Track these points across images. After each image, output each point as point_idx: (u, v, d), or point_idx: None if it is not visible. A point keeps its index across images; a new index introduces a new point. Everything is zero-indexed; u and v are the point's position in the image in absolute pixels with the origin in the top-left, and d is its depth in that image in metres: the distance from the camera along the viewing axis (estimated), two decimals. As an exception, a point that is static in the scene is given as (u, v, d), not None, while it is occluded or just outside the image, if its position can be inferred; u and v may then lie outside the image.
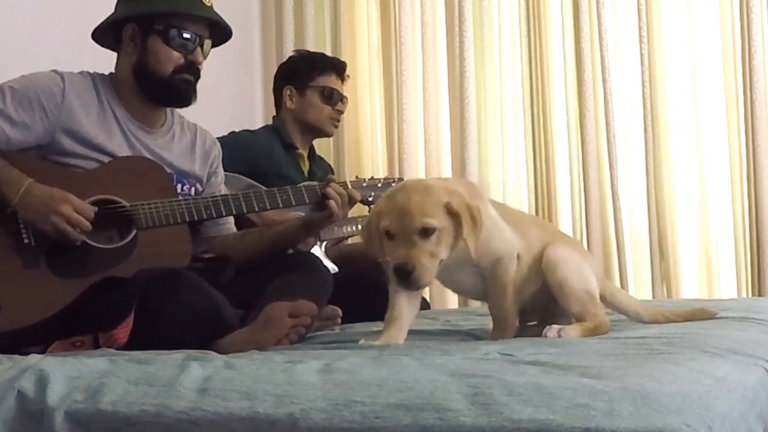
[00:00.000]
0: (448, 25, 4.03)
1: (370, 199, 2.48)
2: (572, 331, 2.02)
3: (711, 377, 1.32)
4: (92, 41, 2.39)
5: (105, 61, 2.38)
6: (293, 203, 2.35)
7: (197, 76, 2.36)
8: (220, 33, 2.42)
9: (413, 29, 4.08)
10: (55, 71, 2.26)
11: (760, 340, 1.86)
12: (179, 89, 2.33)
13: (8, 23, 2.92)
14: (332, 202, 2.31)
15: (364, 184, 2.49)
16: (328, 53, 3.97)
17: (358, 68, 4.15)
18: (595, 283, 2.14)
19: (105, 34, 2.38)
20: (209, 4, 2.36)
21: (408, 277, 1.77)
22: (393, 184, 2.53)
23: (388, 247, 1.83)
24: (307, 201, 2.35)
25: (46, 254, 2.07)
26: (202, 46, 2.34)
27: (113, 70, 2.37)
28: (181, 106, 2.42)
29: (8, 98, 2.16)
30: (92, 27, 2.37)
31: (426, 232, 1.79)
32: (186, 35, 2.30)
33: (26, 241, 2.06)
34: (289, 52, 4.05)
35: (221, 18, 2.38)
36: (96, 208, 2.09)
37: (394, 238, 1.81)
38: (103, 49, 2.41)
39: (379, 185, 2.51)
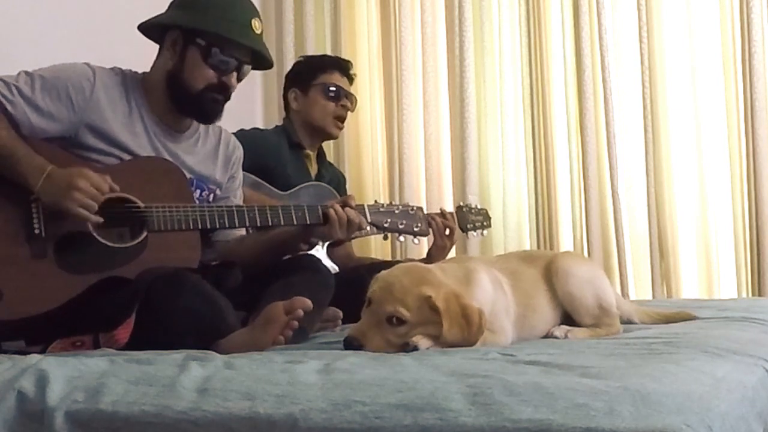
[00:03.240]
0: (448, 25, 4.03)
1: (386, 225, 2.46)
2: (581, 333, 2.02)
3: (711, 377, 1.32)
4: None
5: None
6: (308, 221, 2.34)
7: (227, 98, 2.34)
8: (263, 61, 2.41)
9: (413, 29, 4.08)
10: (87, 65, 2.25)
11: (760, 340, 1.86)
12: (205, 107, 2.32)
13: (8, 23, 2.92)
14: (333, 219, 2.31)
15: (382, 210, 2.48)
16: (328, 53, 3.98)
17: (358, 68, 4.12)
18: (609, 293, 2.13)
19: (151, 31, 2.36)
20: (259, 32, 2.33)
21: (355, 350, 1.75)
22: (411, 213, 2.51)
23: (364, 312, 1.83)
24: (322, 221, 2.34)
25: (54, 246, 2.06)
26: (239, 71, 2.32)
27: (147, 70, 2.36)
28: (204, 123, 2.41)
29: (37, 86, 2.15)
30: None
31: (392, 320, 1.77)
32: (225, 58, 2.28)
33: (37, 231, 2.05)
34: (289, 52, 4.06)
35: (266, 49, 2.36)
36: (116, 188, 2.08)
37: (370, 307, 1.81)
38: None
39: (397, 212, 2.49)
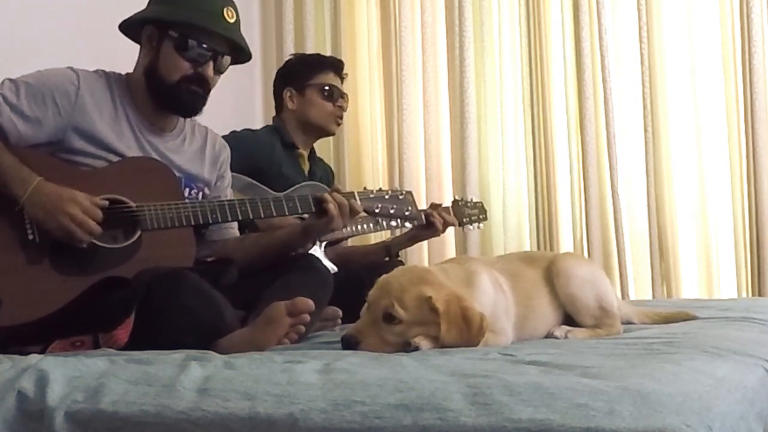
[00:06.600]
0: (448, 25, 4.03)
1: (377, 210, 2.47)
2: (581, 334, 2.02)
3: (711, 377, 1.32)
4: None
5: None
6: (299, 211, 2.34)
7: (207, 89, 2.34)
8: (240, 52, 2.40)
9: (413, 29, 4.08)
10: (70, 68, 2.25)
11: (760, 340, 1.86)
12: (183, 99, 2.32)
13: (7, 22, 2.92)
14: (332, 209, 2.29)
15: (372, 195, 2.47)
16: (328, 53, 3.97)
17: (358, 68, 4.15)
18: (611, 293, 2.13)
19: (131, 30, 2.37)
20: (232, 21, 2.33)
21: (352, 348, 1.76)
22: (400, 197, 2.51)
23: (363, 312, 1.84)
24: (314, 210, 2.34)
25: (49, 251, 2.07)
26: (215, 61, 2.32)
27: (130, 71, 2.37)
28: (185, 116, 2.42)
29: (22, 93, 2.15)
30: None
31: (390, 317, 1.77)
32: (199, 48, 2.29)
33: (31, 237, 2.06)
34: (289, 52, 4.05)
35: (241, 38, 2.36)
36: (106, 203, 2.09)
37: (369, 308, 1.82)
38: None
39: (387, 197, 2.49)
